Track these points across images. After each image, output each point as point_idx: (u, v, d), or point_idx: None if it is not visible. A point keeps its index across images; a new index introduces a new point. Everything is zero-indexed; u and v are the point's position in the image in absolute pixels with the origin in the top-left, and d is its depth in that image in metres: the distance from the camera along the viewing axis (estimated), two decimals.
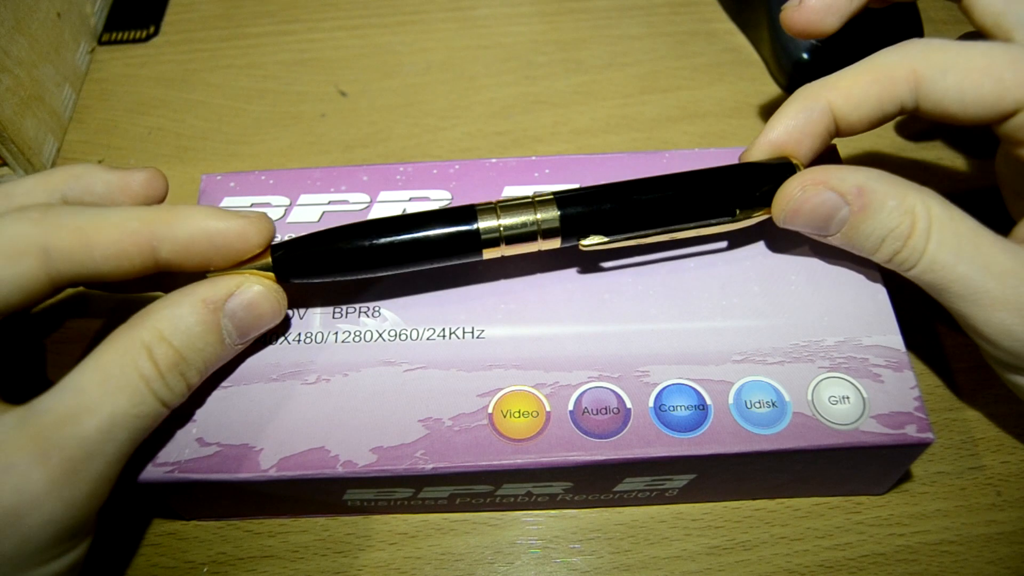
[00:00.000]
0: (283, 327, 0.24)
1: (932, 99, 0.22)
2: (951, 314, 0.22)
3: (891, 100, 0.22)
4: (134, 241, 0.20)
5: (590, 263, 0.25)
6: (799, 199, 0.22)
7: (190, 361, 0.20)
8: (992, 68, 0.21)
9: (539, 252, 0.23)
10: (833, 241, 0.23)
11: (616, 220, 0.23)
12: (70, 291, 0.25)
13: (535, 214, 0.22)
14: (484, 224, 0.22)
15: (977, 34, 0.25)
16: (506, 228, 0.22)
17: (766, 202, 0.23)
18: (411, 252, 0.22)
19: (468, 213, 0.22)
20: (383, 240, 0.22)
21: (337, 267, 0.22)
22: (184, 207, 0.21)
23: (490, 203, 0.23)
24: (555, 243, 0.23)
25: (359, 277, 0.23)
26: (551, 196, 0.23)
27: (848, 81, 0.23)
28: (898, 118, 0.24)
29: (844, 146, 0.28)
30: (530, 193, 0.23)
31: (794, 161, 0.23)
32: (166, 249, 0.20)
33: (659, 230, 0.23)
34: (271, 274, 0.22)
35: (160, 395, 0.19)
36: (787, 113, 0.23)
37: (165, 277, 0.23)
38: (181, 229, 0.20)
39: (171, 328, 0.19)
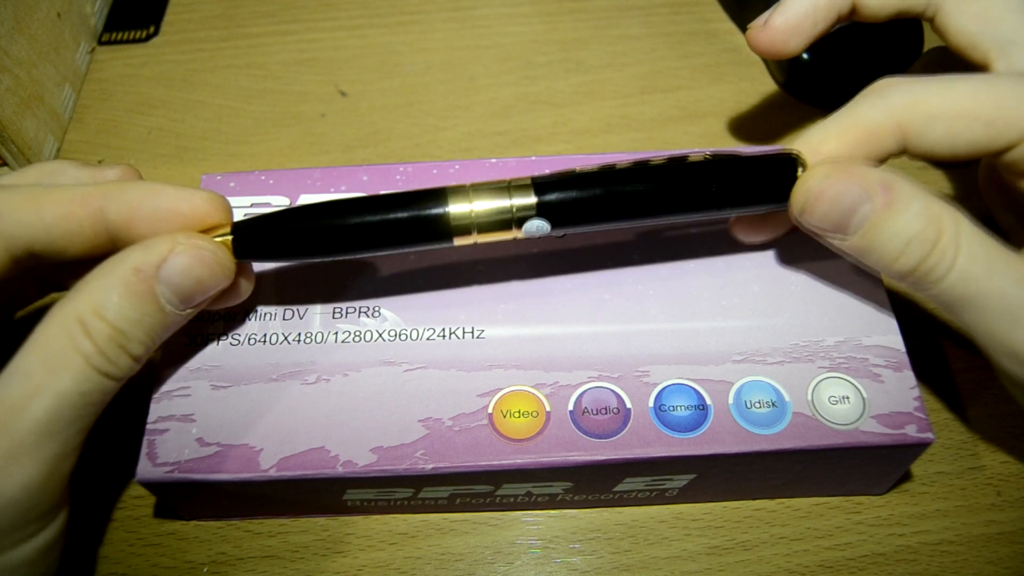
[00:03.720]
0: (244, 302, 0.23)
1: (922, 148, 0.21)
2: (975, 335, 0.20)
3: (878, 155, 0.21)
4: (82, 203, 0.20)
5: (590, 262, 0.25)
6: (821, 185, 0.20)
7: (129, 334, 0.19)
8: (981, 111, 0.20)
9: (515, 243, 0.22)
10: (850, 245, 0.21)
11: (600, 209, 0.21)
12: (56, 296, 0.25)
13: (510, 199, 0.21)
14: (455, 209, 0.21)
15: (945, 50, 0.25)
16: (478, 214, 0.21)
17: (761, 197, 0.22)
18: (376, 235, 0.21)
19: (438, 196, 0.21)
20: (347, 221, 0.21)
21: (299, 248, 0.21)
22: (138, 180, 0.20)
23: (462, 185, 0.21)
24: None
25: (326, 260, 0.22)
26: (528, 181, 0.21)
27: (832, 145, 0.21)
28: None
29: None
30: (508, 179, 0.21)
31: (794, 153, 0.21)
32: (113, 210, 0.20)
33: (644, 221, 0.22)
34: (208, 235, 0.21)
35: (104, 370, 0.19)
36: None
37: None
38: (129, 192, 0.20)
39: (103, 301, 0.19)
